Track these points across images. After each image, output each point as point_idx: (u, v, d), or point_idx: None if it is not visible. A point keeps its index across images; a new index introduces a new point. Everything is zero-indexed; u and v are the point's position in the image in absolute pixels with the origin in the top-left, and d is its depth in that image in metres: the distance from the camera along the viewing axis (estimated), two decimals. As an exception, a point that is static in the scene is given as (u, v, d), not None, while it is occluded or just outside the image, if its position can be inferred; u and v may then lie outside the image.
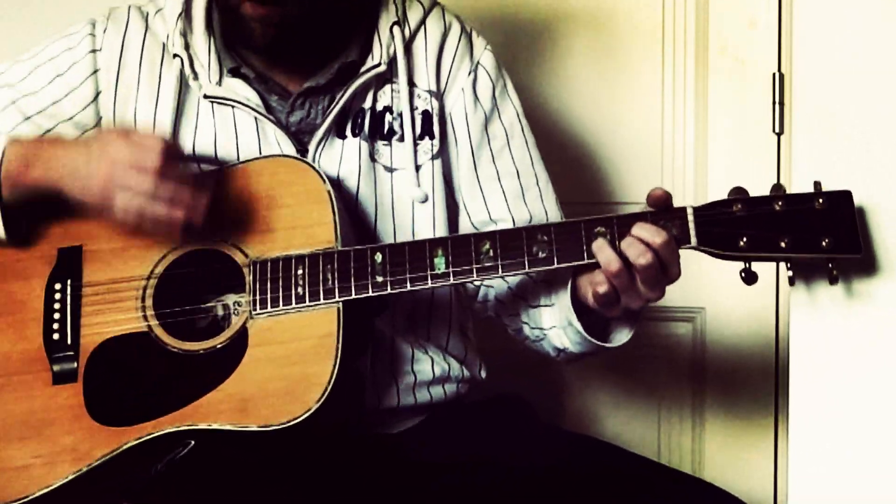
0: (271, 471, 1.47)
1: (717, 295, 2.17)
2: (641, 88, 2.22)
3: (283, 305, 1.49)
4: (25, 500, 1.49)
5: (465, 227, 1.69)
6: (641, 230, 1.44)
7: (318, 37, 1.60)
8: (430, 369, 1.65)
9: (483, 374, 1.75)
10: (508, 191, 1.69)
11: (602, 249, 1.44)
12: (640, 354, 2.23)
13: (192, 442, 1.46)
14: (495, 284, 1.69)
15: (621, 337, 1.57)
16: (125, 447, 1.48)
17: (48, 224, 1.61)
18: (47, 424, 1.52)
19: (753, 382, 2.19)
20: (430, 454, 1.59)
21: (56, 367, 1.55)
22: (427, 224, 1.65)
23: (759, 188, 2.15)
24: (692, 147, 2.21)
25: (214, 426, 1.45)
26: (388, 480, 1.55)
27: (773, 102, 2.14)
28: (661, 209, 1.46)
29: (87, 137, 1.59)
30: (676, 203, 2.18)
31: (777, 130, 2.15)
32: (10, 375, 1.56)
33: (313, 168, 1.54)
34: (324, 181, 1.52)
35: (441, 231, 1.65)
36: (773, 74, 2.15)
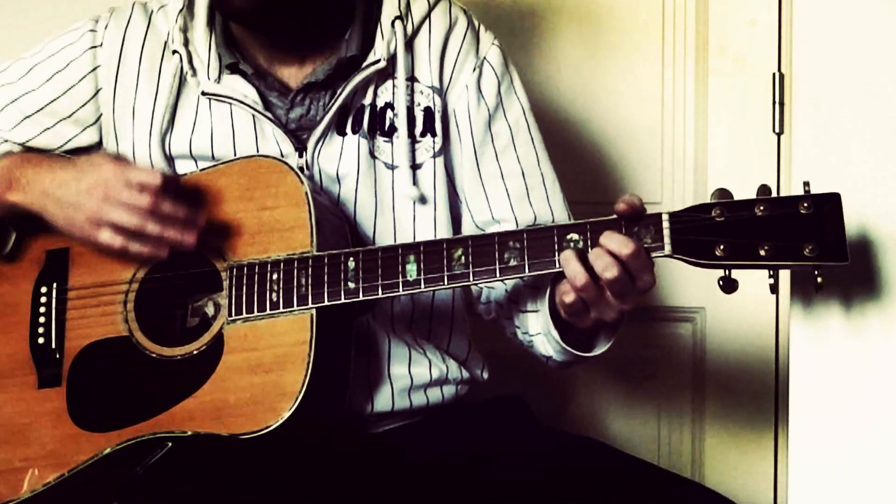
0: (261, 472, 1.47)
1: (717, 295, 2.14)
2: (641, 88, 2.22)
3: (258, 311, 1.49)
4: (9, 503, 1.50)
5: (467, 227, 1.68)
6: (609, 240, 1.39)
7: (306, 15, 1.58)
8: (427, 372, 1.64)
9: (485, 375, 1.73)
10: (512, 190, 1.66)
11: (568, 262, 1.40)
12: (641, 355, 2.23)
13: (170, 444, 1.47)
14: (496, 286, 1.67)
15: (600, 347, 1.53)
16: (104, 453, 1.49)
17: (37, 225, 1.61)
18: (32, 428, 1.54)
19: (753, 382, 2.19)
20: (425, 455, 1.58)
21: (41, 372, 1.55)
22: (428, 223, 1.63)
23: (756, 189, 2.16)
24: (692, 147, 2.21)
25: (189, 433, 1.45)
26: (381, 482, 1.55)
27: (773, 102, 2.14)
28: (637, 215, 1.41)
29: (78, 162, 1.56)
30: (676, 204, 2.21)
31: (777, 130, 2.15)
32: None
33: (292, 170, 1.52)
34: (302, 182, 1.51)
35: (443, 230, 1.64)
36: (773, 74, 2.14)
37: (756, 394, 2.18)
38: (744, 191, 2.16)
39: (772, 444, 2.18)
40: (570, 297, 1.42)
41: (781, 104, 2.13)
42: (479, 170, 1.66)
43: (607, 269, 1.37)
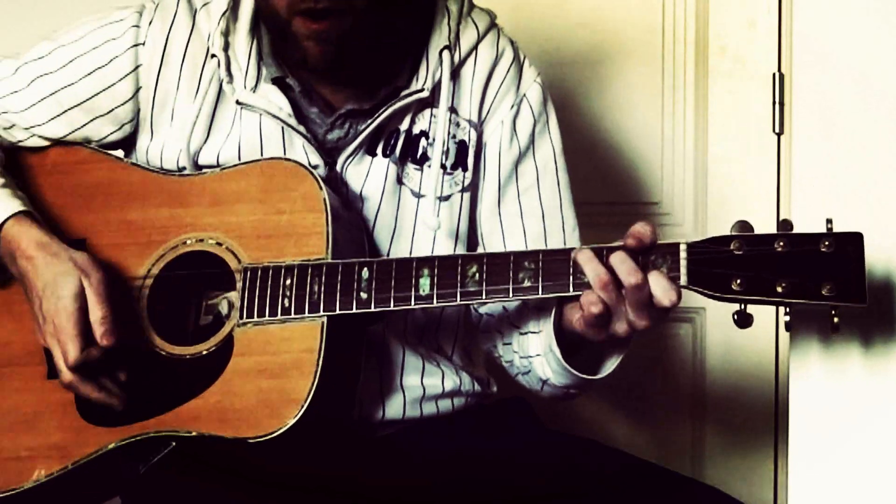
0: (264, 472, 1.47)
1: (716, 295, 2.17)
2: (641, 88, 2.22)
3: (269, 316, 1.48)
4: (11, 492, 1.50)
5: None
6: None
7: (374, 55, 1.55)
8: (440, 383, 1.62)
9: (494, 388, 1.71)
10: (529, 231, 1.63)
11: (590, 261, 1.37)
12: (641, 355, 2.23)
13: (174, 443, 1.46)
14: (495, 312, 1.65)
15: (605, 369, 1.50)
16: (109, 448, 1.48)
17: (54, 215, 1.61)
18: (39, 418, 1.53)
19: (753, 383, 2.19)
20: (430, 456, 1.58)
21: (51, 362, 1.55)
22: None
23: (759, 188, 2.16)
24: (692, 147, 2.21)
25: (194, 434, 1.45)
26: (385, 481, 1.55)
27: (773, 102, 2.14)
28: (648, 248, 1.38)
29: (53, 270, 1.51)
30: (675, 204, 2.21)
31: (777, 130, 2.15)
32: (10, 366, 1.56)
33: (311, 173, 1.51)
34: (321, 188, 1.49)
35: None
36: (773, 74, 2.14)
37: (756, 394, 2.19)
38: (744, 191, 2.17)
39: (772, 444, 2.18)
40: (597, 308, 1.37)
41: (781, 104, 2.13)
42: (499, 207, 1.63)
43: (631, 275, 1.35)
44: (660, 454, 2.23)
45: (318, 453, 1.51)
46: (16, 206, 1.55)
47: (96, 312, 1.48)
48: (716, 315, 2.20)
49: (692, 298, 2.17)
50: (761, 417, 2.18)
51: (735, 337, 2.19)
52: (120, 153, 1.67)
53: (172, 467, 1.48)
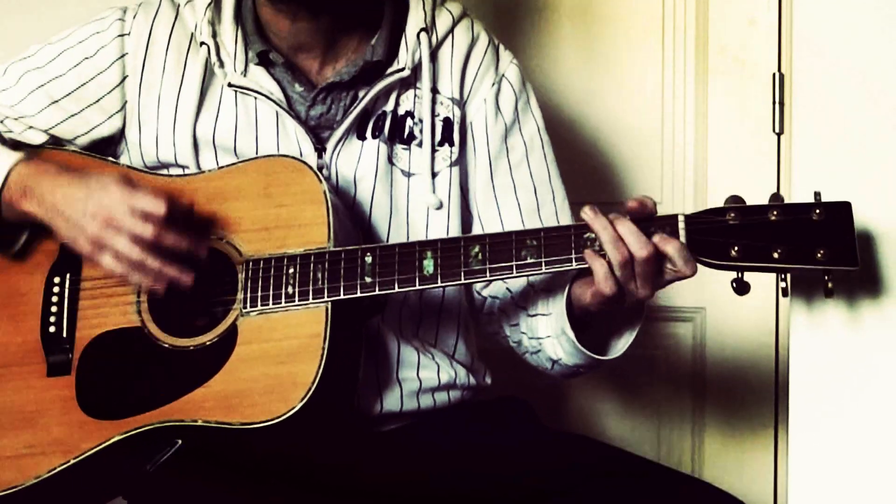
0: (267, 472, 1.47)
1: (717, 295, 2.17)
2: (641, 88, 2.22)
3: (273, 304, 1.50)
4: (14, 489, 1.50)
5: None
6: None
7: (343, 6, 1.61)
8: (435, 376, 1.65)
9: (488, 380, 1.74)
10: (524, 203, 1.69)
11: (605, 227, 1.42)
12: (641, 355, 2.23)
13: (180, 441, 1.47)
14: (500, 295, 1.69)
15: (617, 349, 1.55)
16: (112, 441, 1.49)
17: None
18: (39, 416, 1.53)
19: (753, 382, 2.19)
20: (429, 452, 1.59)
21: (51, 360, 1.55)
22: (441, 230, 1.65)
23: (759, 188, 2.16)
24: (692, 147, 2.21)
25: (199, 422, 1.46)
26: (385, 478, 1.55)
27: (773, 102, 2.14)
28: (647, 215, 1.44)
29: (90, 179, 1.53)
30: (676, 204, 2.21)
31: (777, 130, 2.15)
32: (7, 366, 1.57)
33: (311, 168, 1.54)
34: (320, 181, 1.52)
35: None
36: (773, 74, 2.15)
37: (756, 394, 2.19)
38: (744, 191, 2.16)
39: (772, 444, 2.18)
40: (610, 290, 1.42)
41: (781, 104, 2.13)
42: (492, 181, 1.68)
43: (643, 248, 1.40)
44: (660, 453, 2.23)
45: (318, 448, 1.51)
46: (21, 154, 1.57)
47: (159, 204, 1.48)
48: (716, 315, 2.20)
49: (693, 298, 2.20)
50: (761, 416, 2.18)
51: (735, 336, 2.19)
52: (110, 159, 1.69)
53: (175, 466, 1.48)
